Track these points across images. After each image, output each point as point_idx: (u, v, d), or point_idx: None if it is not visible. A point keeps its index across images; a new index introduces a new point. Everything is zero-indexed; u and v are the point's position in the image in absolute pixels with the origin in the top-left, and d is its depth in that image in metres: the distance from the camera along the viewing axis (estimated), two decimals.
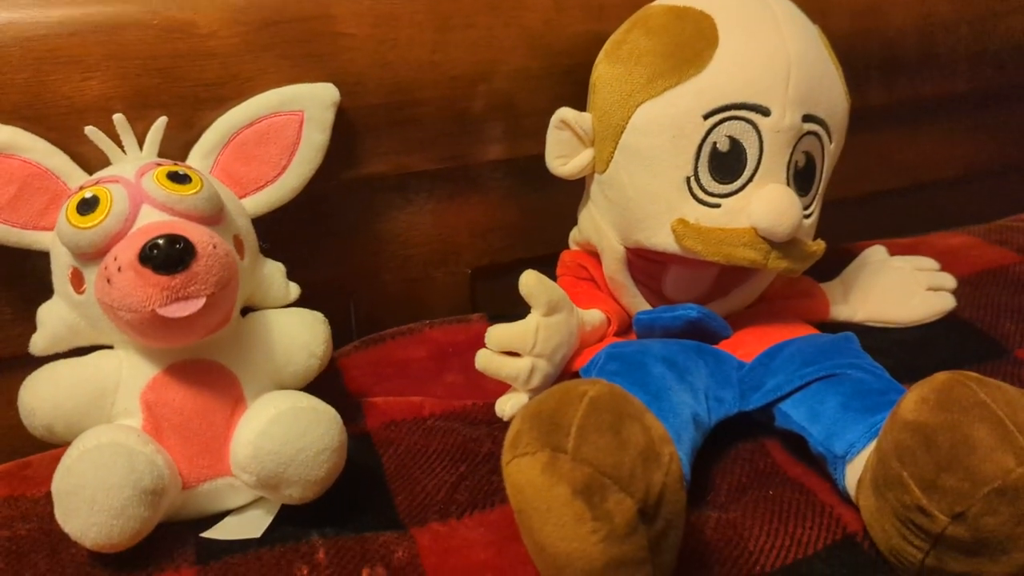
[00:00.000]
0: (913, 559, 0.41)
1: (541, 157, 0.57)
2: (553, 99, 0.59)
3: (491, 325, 0.52)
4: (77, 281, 0.46)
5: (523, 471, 0.38)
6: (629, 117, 0.53)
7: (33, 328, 0.49)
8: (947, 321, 0.63)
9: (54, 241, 0.47)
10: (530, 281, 0.51)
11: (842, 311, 0.63)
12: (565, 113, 0.56)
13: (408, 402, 0.56)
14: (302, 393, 0.47)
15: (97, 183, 0.46)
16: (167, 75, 0.52)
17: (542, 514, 0.38)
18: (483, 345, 0.52)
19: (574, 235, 0.62)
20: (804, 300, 0.62)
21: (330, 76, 0.56)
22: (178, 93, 0.53)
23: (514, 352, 0.51)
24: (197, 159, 0.52)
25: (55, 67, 0.50)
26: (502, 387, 0.53)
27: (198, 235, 0.43)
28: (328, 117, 0.55)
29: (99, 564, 0.43)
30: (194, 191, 0.46)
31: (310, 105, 0.54)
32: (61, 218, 0.45)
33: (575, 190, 0.60)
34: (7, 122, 0.48)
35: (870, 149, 0.77)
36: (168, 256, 0.42)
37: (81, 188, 0.46)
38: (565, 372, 0.54)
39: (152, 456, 0.43)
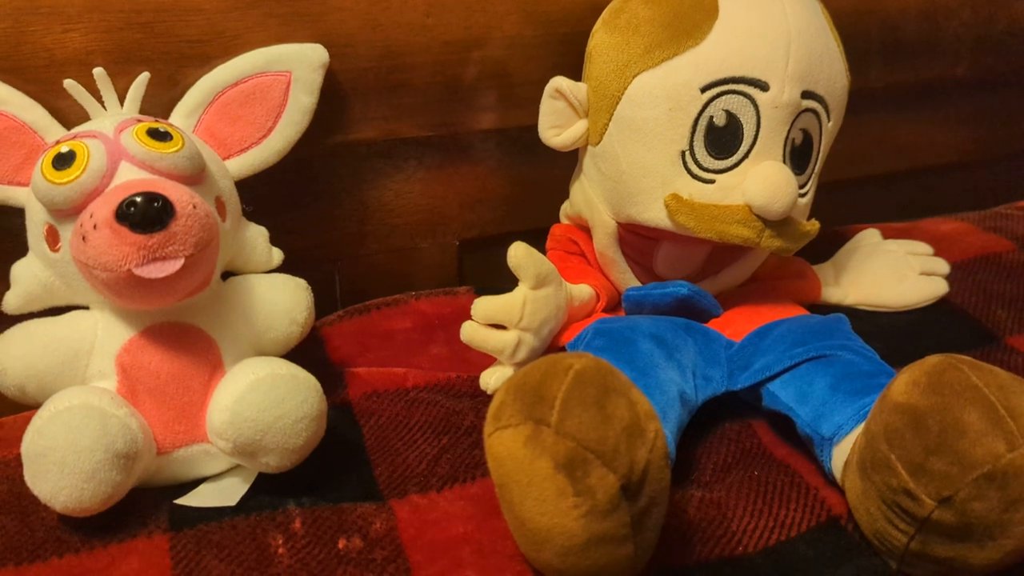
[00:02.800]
0: (898, 543, 0.41)
1: (534, 127, 0.56)
2: (548, 68, 0.58)
3: (478, 297, 0.52)
4: (52, 239, 0.45)
5: (505, 443, 0.38)
6: (625, 88, 0.52)
7: (6, 286, 0.48)
8: (939, 306, 0.63)
9: (29, 197, 0.46)
10: (519, 253, 0.50)
11: (834, 293, 0.63)
12: (560, 82, 0.55)
13: (391, 373, 0.55)
14: (282, 360, 0.46)
15: (74, 138, 0.44)
16: (151, 30, 0.51)
17: (523, 488, 0.37)
18: (469, 318, 0.51)
19: (565, 209, 0.61)
20: (796, 281, 0.62)
21: (319, 37, 0.54)
22: (162, 49, 0.51)
23: (500, 325, 0.50)
24: (180, 118, 0.51)
25: (35, 18, 0.48)
26: (487, 360, 0.52)
27: (178, 194, 0.42)
28: (316, 79, 0.53)
29: (69, 528, 0.42)
30: (175, 149, 0.44)
31: (298, 66, 0.53)
32: (36, 173, 0.43)
33: (568, 162, 0.59)
34: None
35: (868, 131, 0.76)
36: (146, 214, 0.40)
37: (58, 143, 0.45)
38: (552, 346, 0.54)
39: (126, 419, 0.42)
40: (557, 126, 0.56)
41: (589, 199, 0.57)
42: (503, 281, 0.51)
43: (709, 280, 0.56)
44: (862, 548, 0.43)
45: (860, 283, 0.64)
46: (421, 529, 0.43)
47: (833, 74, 0.53)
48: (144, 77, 0.50)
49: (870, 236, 0.68)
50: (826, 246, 0.65)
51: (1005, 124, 0.84)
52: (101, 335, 0.45)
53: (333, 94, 0.56)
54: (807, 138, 0.53)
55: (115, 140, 0.44)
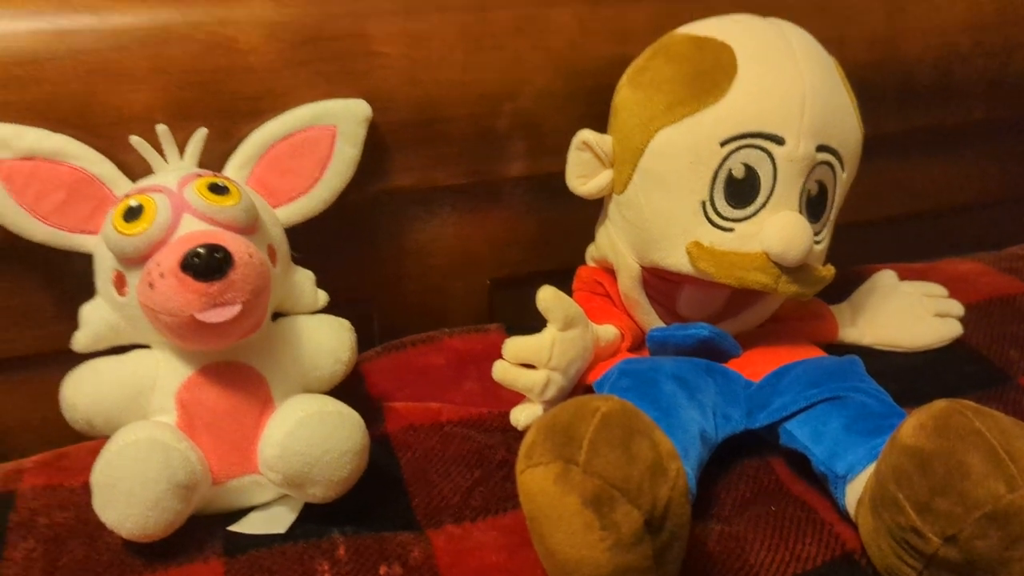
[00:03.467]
0: None
1: (562, 174, 0.59)
2: (576, 119, 0.61)
3: (508, 335, 0.54)
4: (120, 284, 0.48)
5: (536, 480, 0.40)
6: (648, 141, 0.55)
7: (72, 325, 0.52)
8: (953, 347, 0.65)
9: (98, 245, 0.49)
10: (547, 296, 0.53)
11: (850, 333, 0.65)
12: (586, 135, 0.58)
13: (427, 408, 0.58)
14: (328, 397, 0.49)
15: (142, 192, 0.48)
16: (208, 88, 0.55)
17: (553, 521, 0.40)
18: (500, 355, 0.54)
19: (591, 252, 0.64)
20: (814, 321, 0.64)
21: (363, 92, 0.58)
22: (218, 106, 0.55)
23: (530, 364, 0.53)
24: (234, 169, 0.55)
25: (105, 79, 0.52)
26: (517, 397, 0.55)
27: (235, 245, 0.45)
28: (360, 132, 0.57)
29: (133, 553, 0.46)
30: (232, 203, 0.48)
31: (343, 120, 0.56)
32: (108, 224, 0.47)
33: (593, 206, 0.62)
34: (59, 130, 0.51)
35: (884, 174, 0.79)
36: (208, 264, 0.44)
37: (127, 196, 0.48)
38: (579, 385, 0.56)
39: (186, 452, 0.45)
40: (584, 175, 0.59)
41: (614, 244, 0.59)
42: (532, 319, 0.54)
43: (730, 321, 0.59)
44: None
45: (876, 324, 0.66)
46: (457, 557, 0.46)
47: (847, 128, 0.56)
48: (202, 132, 0.54)
49: (887, 277, 0.70)
50: (844, 286, 0.67)
51: (1020, 166, 0.86)
52: (162, 373, 0.49)
53: (375, 145, 0.59)
54: (822, 189, 0.56)
55: (178, 194, 0.48)
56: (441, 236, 0.67)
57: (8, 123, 0.50)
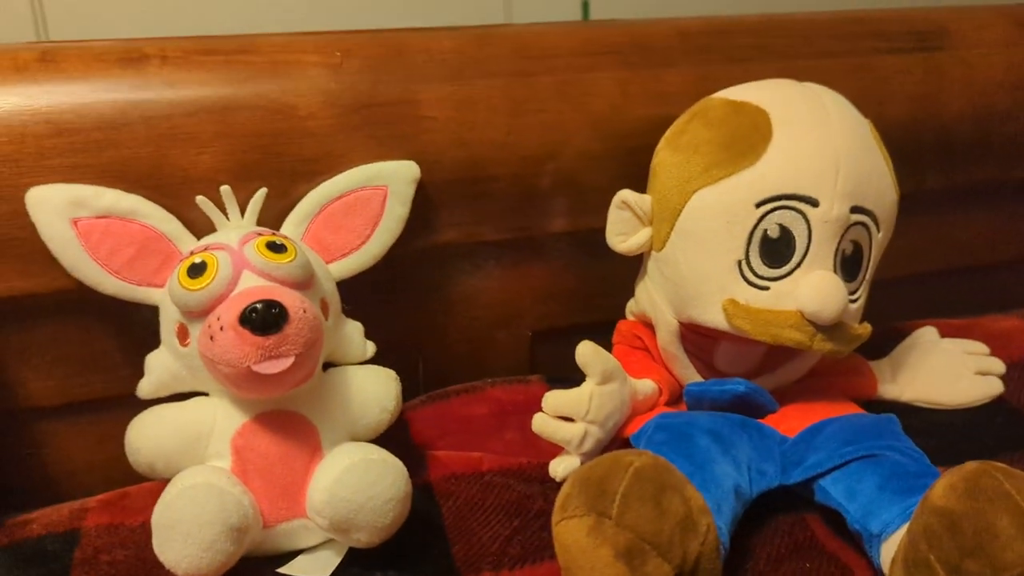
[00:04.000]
0: None
1: (602, 230, 0.61)
2: (615, 178, 0.63)
3: (549, 386, 0.56)
4: (183, 335, 0.52)
5: (570, 532, 0.42)
6: (686, 201, 0.56)
7: (137, 372, 0.55)
8: (994, 405, 0.64)
9: (164, 298, 0.53)
10: (586, 351, 0.54)
11: (890, 390, 0.65)
12: (626, 195, 0.60)
13: (468, 457, 0.60)
14: (374, 446, 0.52)
15: (205, 250, 0.51)
16: (269, 151, 0.58)
17: (586, 572, 0.41)
18: (540, 406, 0.55)
19: (631, 306, 0.66)
20: (852, 377, 0.64)
21: (412, 154, 0.61)
22: (277, 167, 0.58)
23: (568, 417, 0.55)
24: (291, 227, 0.58)
25: (174, 143, 0.56)
26: (556, 448, 0.56)
27: (291, 300, 0.48)
28: (409, 192, 0.60)
29: None
30: (289, 260, 0.51)
31: (393, 180, 0.59)
32: (173, 279, 0.51)
33: (632, 262, 0.63)
34: (131, 190, 0.55)
35: (925, 230, 0.79)
36: (265, 319, 0.47)
37: (192, 253, 0.52)
38: (616, 438, 0.57)
39: (240, 496, 0.48)
40: (623, 233, 0.61)
41: (653, 299, 0.61)
42: (572, 370, 0.55)
43: (767, 376, 0.60)
44: None
45: (916, 380, 0.66)
46: None
47: (882, 189, 0.57)
48: (262, 192, 0.57)
49: (927, 334, 0.70)
50: (884, 342, 0.67)
51: None
52: (219, 420, 0.52)
53: (423, 203, 0.62)
54: (857, 248, 0.57)
55: (239, 252, 0.51)
56: (485, 289, 0.69)
57: (87, 184, 0.54)
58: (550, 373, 0.70)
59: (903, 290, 0.75)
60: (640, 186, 0.61)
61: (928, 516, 0.43)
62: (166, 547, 0.46)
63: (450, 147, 0.62)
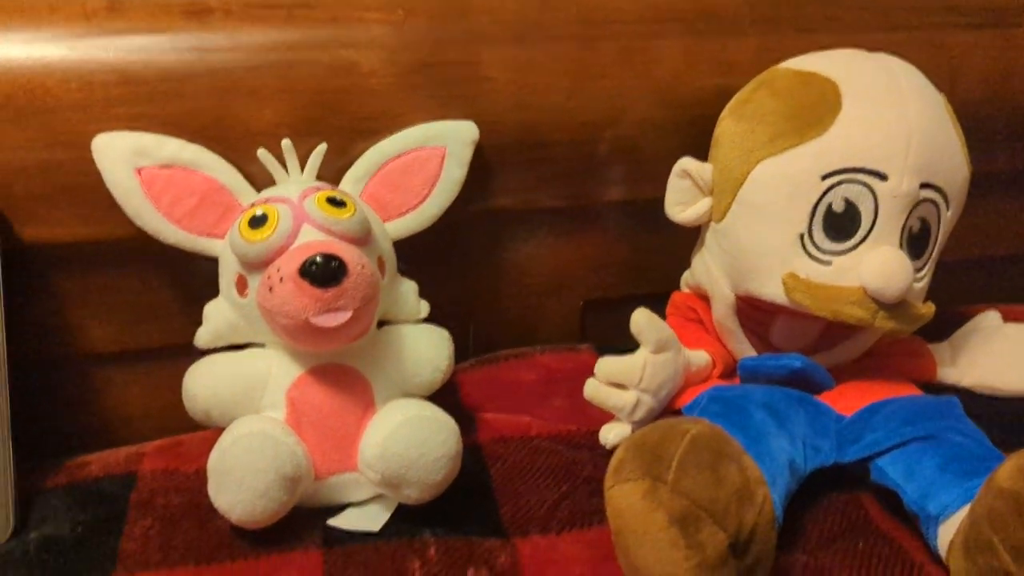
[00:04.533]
0: None
1: (659, 200, 0.61)
2: (676, 147, 0.62)
3: (599, 356, 0.56)
4: (242, 286, 0.52)
5: (625, 496, 0.42)
6: (749, 172, 0.55)
7: (195, 321, 0.55)
8: None
9: (224, 248, 0.53)
10: (641, 319, 0.54)
11: (949, 374, 0.63)
12: (687, 163, 0.59)
13: (517, 421, 0.60)
14: (427, 402, 0.52)
15: (267, 202, 0.52)
16: (330, 107, 0.58)
17: (639, 537, 0.41)
18: (590, 374, 0.55)
19: (686, 278, 0.65)
20: (911, 359, 0.63)
21: (471, 115, 0.60)
22: (338, 124, 0.58)
23: (621, 384, 0.54)
24: (349, 183, 0.58)
25: (236, 97, 0.56)
26: (605, 416, 0.56)
27: (350, 255, 0.48)
28: (467, 153, 0.59)
29: (240, 537, 0.49)
30: (348, 215, 0.51)
31: (452, 141, 0.59)
32: (234, 230, 0.51)
33: (688, 233, 0.62)
34: (194, 141, 0.55)
35: (993, 212, 0.77)
36: (324, 272, 0.47)
37: (253, 205, 0.52)
38: (668, 409, 0.57)
39: (293, 447, 0.48)
40: (682, 203, 0.60)
41: (710, 271, 0.60)
42: (623, 341, 0.55)
43: (823, 354, 0.59)
44: None
45: (977, 365, 0.64)
46: (542, 567, 0.48)
47: (953, 166, 0.55)
48: (322, 148, 0.57)
49: (990, 318, 0.68)
50: (945, 325, 0.66)
51: None
52: (275, 371, 0.52)
53: (480, 166, 0.62)
54: (925, 226, 0.55)
55: (299, 205, 0.51)
56: (538, 256, 0.69)
57: (151, 133, 0.54)
58: (600, 343, 0.70)
59: (966, 272, 0.74)
60: (701, 156, 0.60)
61: (993, 498, 0.42)
62: (221, 493, 0.47)
63: (510, 110, 0.62)
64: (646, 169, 0.66)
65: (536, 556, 0.48)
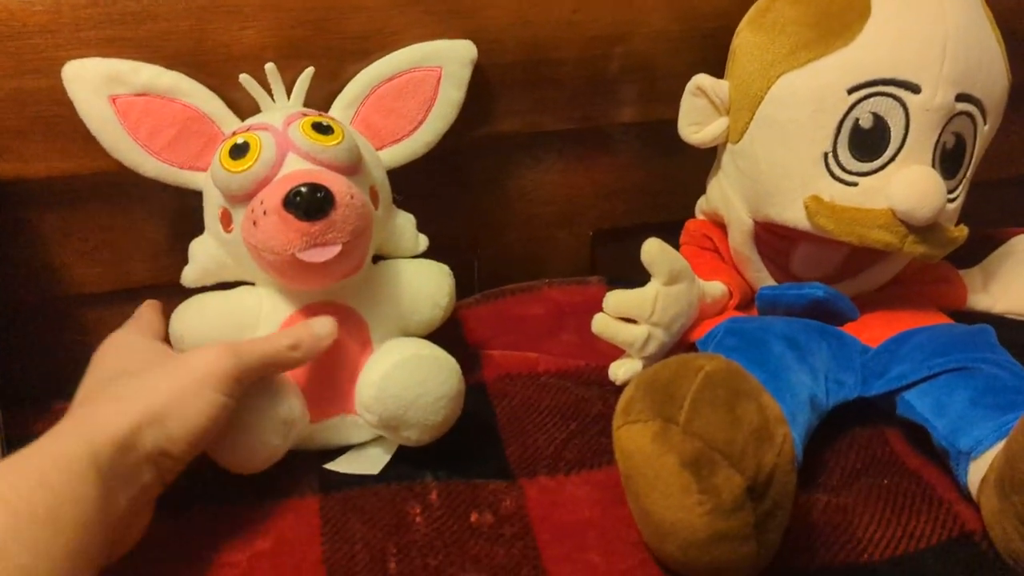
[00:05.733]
0: None
1: (674, 122, 0.57)
2: (691, 63, 0.59)
3: (609, 288, 0.53)
4: (226, 220, 0.49)
5: (633, 438, 0.39)
6: (769, 87, 0.52)
7: (182, 259, 0.53)
8: None
9: (207, 181, 0.50)
10: (653, 249, 0.51)
11: (981, 301, 0.60)
12: (702, 80, 0.55)
13: (524, 357, 0.58)
14: (425, 341, 0.49)
15: (248, 130, 0.48)
16: (318, 27, 0.54)
17: (649, 481, 0.39)
18: (600, 308, 0.52)
19: (701, 204, 0.62)
20: (940, 286, 0.60)
21: (471, 32, 0.56)
22: (326, 44, 0.55)
23: (631, 318, 0.52)
24: (339, 110, 0.54)
25: (216, 16, 0.52)
26: (616, 351, 0.54)
27: (338, 185, 0.45)
28: (465, 74, 0.56)
29: (232, 483, 0.47)
30: (336, 142, 0.48)
31: (448, 61, 0.55)
32: (215, 161, 0.48)
33: (705, 157, 0.59)
34: (170, 66, 0.51)
35: None
36: (310, 204, 0.44)
37: (234, 134, 0.49)
38: (682, 343, 0.54)
39: (285, 387, 0.46)
40: (697, 123, 0.56)
41: (726, 196, 0.57)
42: (635, 273, 0.52)
43: (847, 282, 0.56)
44: (995, 566, 0.42)
45: (1011, 291, 0.61)
46: (549, 510, 0.46)
47: (993, 75, 0.51)
48: (309, 72, 0.53)
49: None
50: (977, 249, 0.62)
51: None
52: (265, 310, 0.50)
53: (481, 88, 0.58)
54: (959, 142, 0.51)
55: (283, 132, 0.48)
56: (545, 184, 0.66)
57: (124, 59, 0.51)
58: (611, 275, 0.67)
59: (1001, 194, 0.70)
60: (718, 73, 0.57)
61: None
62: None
63: (511, 26, 0.58)
64: (659, 88, 0.62)
65: (543, 498, 0.46)
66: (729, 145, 0.56)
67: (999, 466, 0.42)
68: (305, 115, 0.49)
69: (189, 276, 0.52)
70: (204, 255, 0.51)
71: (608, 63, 0.61)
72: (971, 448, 0.45)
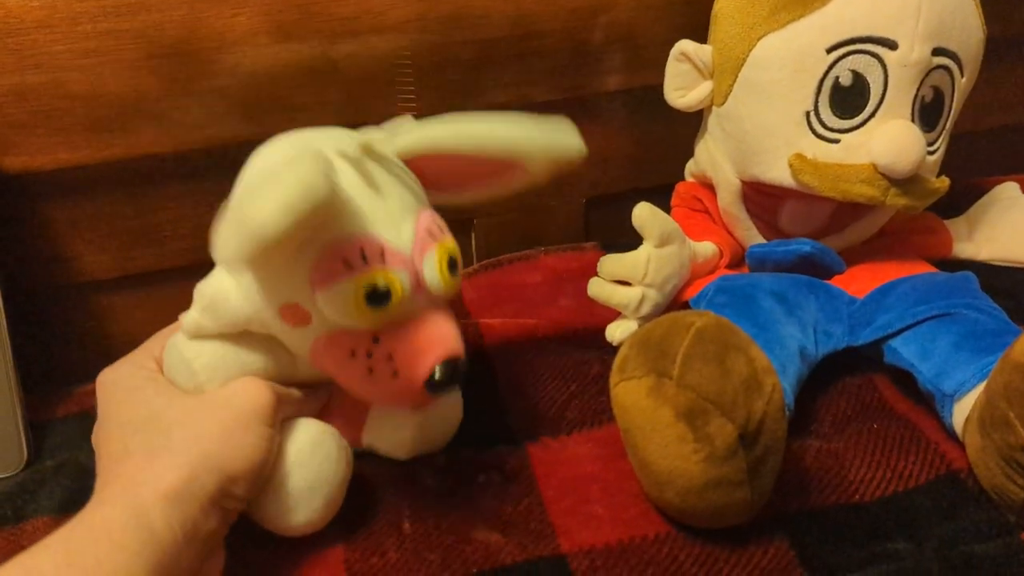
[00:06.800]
0: (1016, 497, 0.42)
1: (659, 87, 0.58)
2: (673, 29, 0.60)
3: (604, 253, 0.54)
4: (298, 316, 0.39)
5: (630, 393, 0.41)
6: (750, 50, 0.53)
7: (190, 244, 0.54)
8: None
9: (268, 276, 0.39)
10: (643, 213, 0.52)
11: (966, 249, 0.62)
12: (685, 45, 0.56)
13: (523, 323, 0.59)
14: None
15: (384, 265, 0.38)
16: (306, 10, 0.55)
17: (646, 434, 0.40)
18: (595, 272, 0.54)
19: (690, 167, 0.63)
20: (925, 236, 0.61)
21: (457, 9, 0.57)
22: (316, 27, 0.56)
23: (625, 281, 0.53)
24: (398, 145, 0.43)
25: (207, 4, 0.53)
26: (612, 313, 0.55)
27: (463, 346, 0.40)
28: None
29: None
30: (459, 280, 0.42)
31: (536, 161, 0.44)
32: (341, 295, 0.38)
33: (692, 121, 0.60)
34: (166, 55, 0.53)
35: (1010, 79, 0.73)
36: (447, 385, 0.39)
37: (365, 261, 0.38)
38: (675, 302, 0.56)
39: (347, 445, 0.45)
40: (682, 88, 0.57)
41: (713, 158, 0.58)
42: (629, 237, 0.54)
43: (834, 236, 0.57)
44: (981, 502, 0.44)
45: (995, 238, 0.62)
46: (552, 467, 0.48)
47: (968, 28, 0.52)
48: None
49: (1008, 190, 0.65)
50: (961, 199, 0.63)
51: None
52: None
53: (468, 63, 0.59)
54: (938, 95, 0.52)
55: (416, 268, 0.39)
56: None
57: (121, 48, 0.51)
58: (606, 241, 0.68)
59: (983, 143, 0.71)
60: (701, 38, 0.57)
61: (1009, 373, 0.41)
62: (295, 512, 0.42)
63: (496, 1, 0.58)
64: (644, 55, 0.63)
65: (547, 457, 0.48)
66: (714, 108, 0.57)
67: (980, 405, 0.44)
68: (435, 238, 0.40)
69: (198, 330, 0.42)
70: (227, 314, 0.41)
71: (592, 33, 0.62)
72: (955, 390, 0.46)
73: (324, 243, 0.37)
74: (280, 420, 0.42)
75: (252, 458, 0.39)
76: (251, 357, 0.43)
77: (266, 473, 0.41)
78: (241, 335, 0.42)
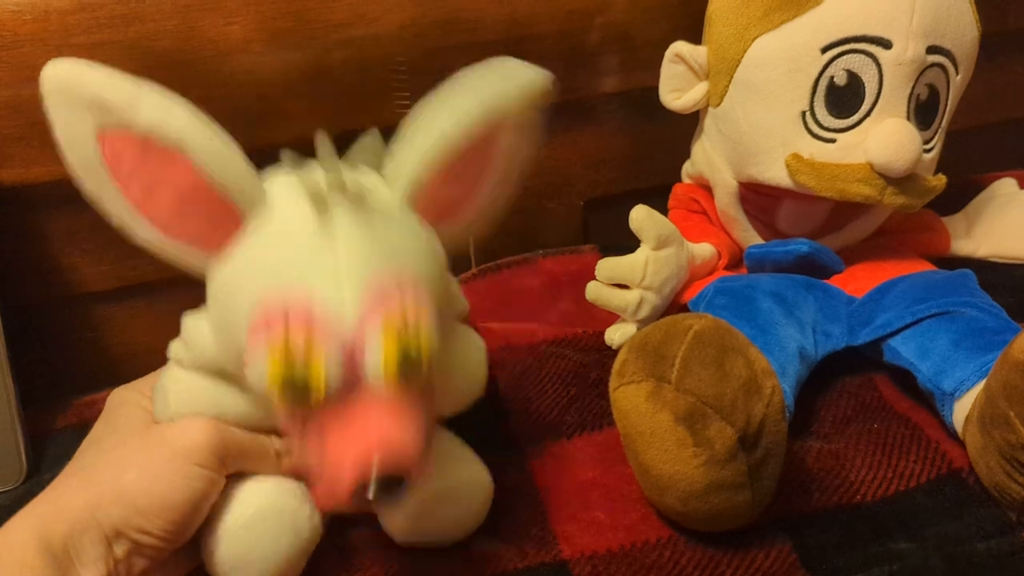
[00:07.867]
0: (1016, 495, 0.42)
1: (655, 89, 0.58)
2: (669, 30, 0.60)
3: (602, 255, 0.54)
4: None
5: (629, 398, 0.41)
6: (745, 51, 0.53)
7: None
8: None
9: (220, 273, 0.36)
10: (640, 216, 0.52)
11: (964, 246, 0.62)
12: (680, 47, 0.56)
13: (523, 328, 0.59)
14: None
15: (308, 332, 0.31)
16: (299, 17, 0.55)
17: (646, 438, 0.40)
18: (594, 275, 0.54)
19: (687, 168, 0.63)
20: (923, 234, 0.61)
21: (451, 13, 0.57)
22: (310, 34, 0.56)
23: (624, 284, 0.53)
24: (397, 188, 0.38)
25: (201, 14, 0.53)
26: (612, 316, 0.55)
27: (417, 450, 0.33)
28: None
29: None
30: (418, 376, 0.33)
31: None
32: (259, 369, 0.32)
33: (689, 122, 0.60)
34: (162, 66, 0.52)
35: (1006, 74, 0.73)
36: (381, 493, 0.33)
37: (285, 329, 0.31)
38: (674, 304, 0.56)
39: (310, 515, 0.41)
40: (678, 89, 0.57)
41: (710, 159, 0.58)
42: (626, 239, 0.54)
43: (832, 236, 0.57)
44: (982, 500, 0.44)
45: (993, 235, 0.62)
46: (554, 473, 0.47)
47: (962, 26, 0.52)
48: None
49: (1006, 186, 0.66)
50: (958, 196, 0.64)
51: None
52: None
53: (463, 67, 0.59)
54: (933, 93, 0.52)
55: (356, 349, 0.32)
56: (534, 157, 0.67)
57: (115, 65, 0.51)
58: (604, 243, 0.68)
59: (981, 140, 0.71)
60: (697, 38, 0.57)
61: (1008, 371, 0.41)
62: None
63: (490, 4, 0.58)
64: (639, 56, 0.63)
65: (547, 463, 0.48)
66: (710, 109, 0.57)
67: (980, 404, 0.44)
68: (383, 313, 0.32)
69: (180, 361, 0.40)
70: (203, 349, 0.38)
71: (588, 35, 0.62)
72: (955, 389, 0.46)
73: (261, 286, 0.33)
74: (231, 466, 0.39)
75: (168, 496, 0.37)
76: (228, 398, 0.39)
77: (197, 517, 0.38)
78: (222, 373, 0.38)
